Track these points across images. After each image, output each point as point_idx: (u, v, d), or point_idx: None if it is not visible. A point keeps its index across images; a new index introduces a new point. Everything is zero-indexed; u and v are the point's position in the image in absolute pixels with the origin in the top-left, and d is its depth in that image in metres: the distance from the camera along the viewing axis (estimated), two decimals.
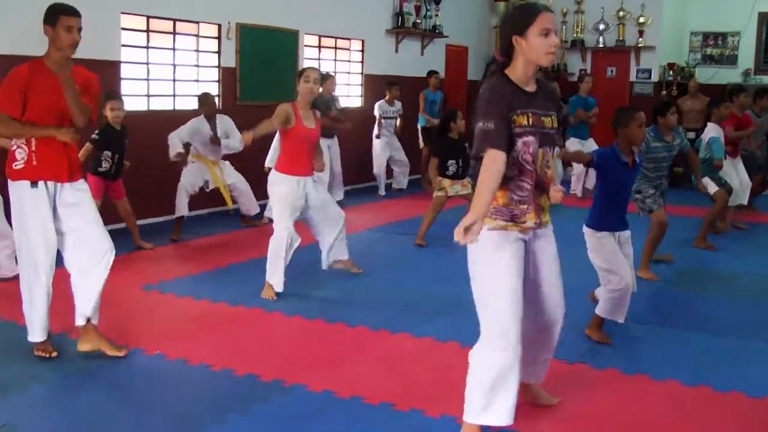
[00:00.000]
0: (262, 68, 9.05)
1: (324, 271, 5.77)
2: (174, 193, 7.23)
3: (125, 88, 7.50)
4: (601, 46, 13.08)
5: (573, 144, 10.02)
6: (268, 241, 5.39)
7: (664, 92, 12.50)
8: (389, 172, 10.76)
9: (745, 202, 8.22)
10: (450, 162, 7.03)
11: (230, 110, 8.66)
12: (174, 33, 8.13)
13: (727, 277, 6.29)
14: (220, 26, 8.57)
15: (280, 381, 3.87)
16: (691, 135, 9.75)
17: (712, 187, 7.23)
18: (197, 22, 8.35)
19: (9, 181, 4.06)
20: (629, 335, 4.65)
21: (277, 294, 5.34)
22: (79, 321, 4.18)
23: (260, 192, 5.37)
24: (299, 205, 5.40)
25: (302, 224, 5.61)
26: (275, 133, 5.89)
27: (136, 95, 7.76)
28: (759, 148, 8.64)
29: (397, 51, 11.63)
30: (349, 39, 10.80)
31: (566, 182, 10.26)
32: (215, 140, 7.15)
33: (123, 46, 7.55)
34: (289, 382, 3.86)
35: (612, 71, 13.12)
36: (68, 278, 4.17)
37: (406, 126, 10.72)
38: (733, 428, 3.49)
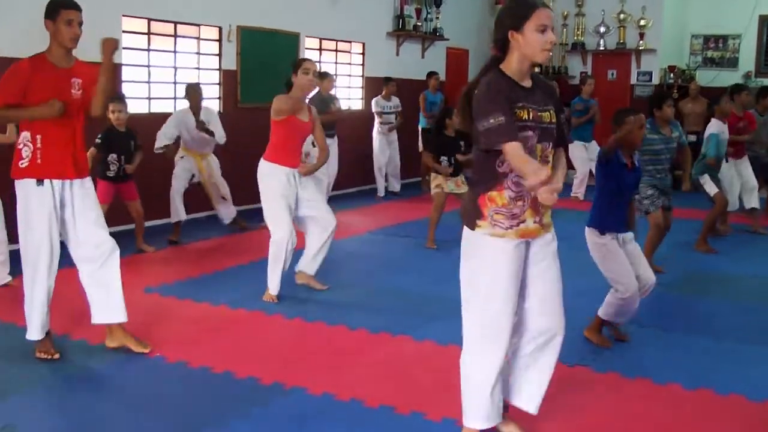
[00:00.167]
0: (263, 71, 9.05)
1: (325, 274, 5.75)
2: None
3: (126, 90, 7.50)
4: (601, 48, 13.08)
5: (576, 147, 10.03)
6: (269, 244, 5.37)
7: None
8: (385, 175, 10.77)
9: (757, 205, 8.06)
10: (443, 159, 7.04)
11: (231, 113, 8.69)
12: (175, 35, 8.14)
13: (728, 280, 6.29)
14: (220, 29, 8.57)
15: (281, 384, 3.86)
16: (692, 138, 9.73)
17: (711, 187, 7.17)
18: (198, 25, 8.36)
19: (15, 180, 4.06)
20: (630, 338, 4.65)
21: (278, 297, 5.34)
22: (95, 320, 4.25)
23: (252, 195, 5.33)
24: (291, 196, 5.31)
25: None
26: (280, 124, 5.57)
27: (137, 98, 7.77)
28: (764, 147, 8.49)
29: (397, 54, 11.63)
30: (350, 42, 10.81)
31: (568, 185, 10.26)
32: (200, 125, 7.07)
33: (124, 48, 7.56)
34: (289, 384, 3.86)
35: (613, 74, 13.11)
36: (71, 279, 4.17)
37: (405, 126, 10.74)
38: (734, 431, 3.49)
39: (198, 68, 8.45)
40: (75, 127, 4.11)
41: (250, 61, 8.91)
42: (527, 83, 2.98)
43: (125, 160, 6.50)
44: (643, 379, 4.03)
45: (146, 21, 7.79)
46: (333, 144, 9.06)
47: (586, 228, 4.48)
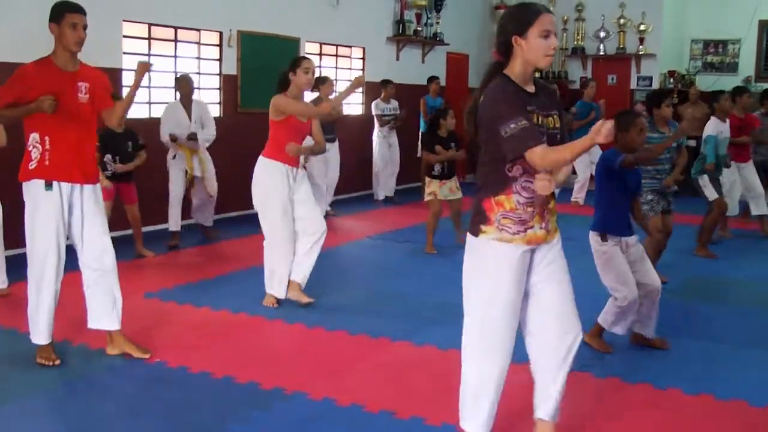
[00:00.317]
0: (264, 76, 9.03)
1: (324, 279, 5.75)
2: None
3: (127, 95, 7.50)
4: (601, 53, 13.09)
5: None
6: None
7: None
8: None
9: (765, 212, 7.98)
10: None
11: (231, 117, 8.70)
12: (175, 40, 8.16)
13: (729, 285, 6.28)
14: (221, 34, 8.59)
15: (281, 389, 3.86)
16: (692, 143, 9.73)
17: (710, 192, 7.10)
18: (198, 30, 8.37)
19: (23, 183, 4.07)
20: (630, 344, 4.64)
21: (279, 301, 5.34)
22: (91, 324, 4.26)
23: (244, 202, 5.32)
24: (286, 195, 5.24)
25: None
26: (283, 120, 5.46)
27: (137, 102, 7.72)
28: None
29: (398, 59, 11.64)
30: (350, 46, 10.83)
31: (569, 190, 10.27)
32: (191, 136, 7.01)
33: (124, 53, 7.57)
34: (289, 389, 3.85)
35: (613, 79, 13.13)
36: (71, 284, 4.18)
37: (405, 131, 10.74)
38: None
39: (198, 73, 8.45)
40: (84, 132, 4.11)
41: (250, 66, 8.92)
42: (531, 88, 2.96)
43: (120, 161, 6.49)
44: (643, 384, 4.02)
45: (147, 26, 7.81)
46: (334, 148, 9.07)
47: (590, 232, 4.47)
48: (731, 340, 4.82)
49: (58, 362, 4.13)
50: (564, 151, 2.76)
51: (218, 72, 8.68)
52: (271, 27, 9.17)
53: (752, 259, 7.24)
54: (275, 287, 5.35)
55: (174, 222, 7.22)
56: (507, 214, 2.92)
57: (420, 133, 10.96)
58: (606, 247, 4.37)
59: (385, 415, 3.58)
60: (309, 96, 7.22)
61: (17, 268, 5.23)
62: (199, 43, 8.45)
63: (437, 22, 12.12)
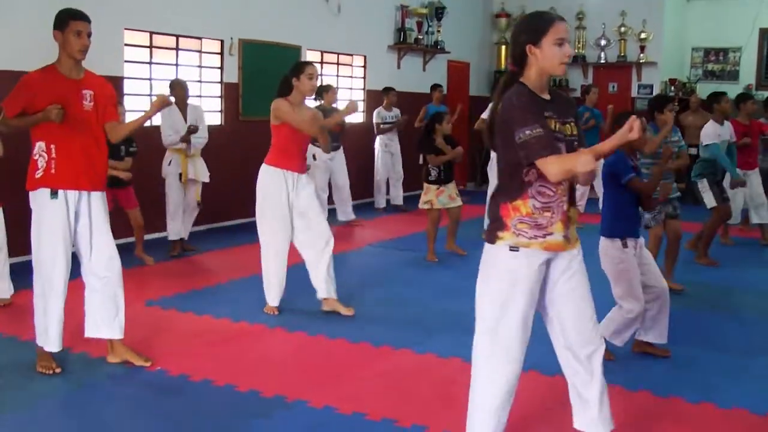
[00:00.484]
0: (265, 84, 9.03)
1: None
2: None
3: (128, 103, 7.52)
4: (602, 61, 13.10)
5: None
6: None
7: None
8: (387, 188, 10.76)
9: (766, 221, 7.92)
10: (431, 166, 7.03)
11: (232, 126, 8.72)
12: (177, 49, 8.17)
13: (730, 293, 6.27)
14: (222, 42, 8.61)
15: (282, 397, 3.86)
16: (693, 151, 9.73)
17: (709, 199, 7.05)
18: (200, 38, 8.39)
19: (30, 192, 4.07)
20: (632, 352, 4.63)
21: (279, 309, 5.34)
22: (89, 333, 4.25)
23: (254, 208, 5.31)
24: (284, 203, 5.20)
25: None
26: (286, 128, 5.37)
27: (138, 110, 7.77)
28: None
29: (399, 67, 11.67)
30: (352, 55, 10.85)
31: None
32: (185, 135, 6.94)
33: (126, 61, 7.59)
34: (290, 398, 3.85)
35: (613, 87, 13.13)
36: (72, 292, 4.17)
37: (407, 140, 10.73)
38: None
39: (200, 81, 8.48)
40: (90, 139, 4.11)
41: (251, 74, 8.94)
42: (546, 96, 2.96)
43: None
44: (644, 392, 4.01)
45: (148, 34, 7.83)
46: (339, 156, 9.06)
47: (602, 239, 4.40)
48: (733, 348, 4.81)
49: (58, 370, 4.12)
50: (565, 165, 2.74)
51: (219, 80, 8.70)
52: (273, 35, 9.20)
53: (754, 267, 7.23)
54: (270, 295, 5.35)
55: (175, 232, 7.16)
56: (523, 218, 2.90)
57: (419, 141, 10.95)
58: (626, 255, 4.31)
59: (386, 423, 3.57)
60: (311, 103, 7.24)
61: (19, 276, 5.25)
62: (200, 52, 8.47)
63: (438, 31, 12.15)
